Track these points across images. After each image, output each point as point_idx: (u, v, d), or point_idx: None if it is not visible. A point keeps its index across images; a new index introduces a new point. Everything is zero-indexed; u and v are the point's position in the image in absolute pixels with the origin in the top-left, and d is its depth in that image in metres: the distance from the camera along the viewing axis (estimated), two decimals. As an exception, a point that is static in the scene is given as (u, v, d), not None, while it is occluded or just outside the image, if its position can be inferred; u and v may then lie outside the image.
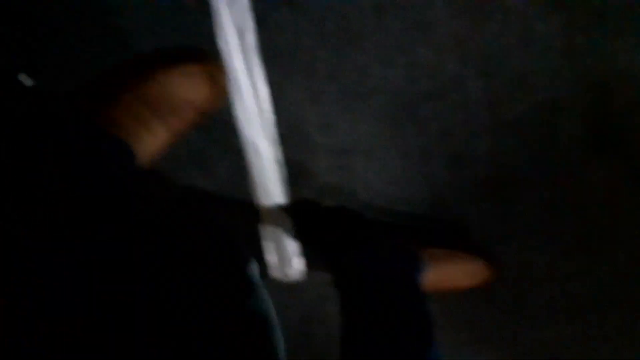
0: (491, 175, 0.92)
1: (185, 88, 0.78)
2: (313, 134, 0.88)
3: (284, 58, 0.82)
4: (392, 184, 0.94)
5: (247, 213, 0.93)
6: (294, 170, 0.91)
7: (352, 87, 0.84)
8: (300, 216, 0.94)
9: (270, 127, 0.86)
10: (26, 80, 0.79)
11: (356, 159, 0.91)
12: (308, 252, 0.99)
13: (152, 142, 0.78)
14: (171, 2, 0.77)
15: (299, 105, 0.85)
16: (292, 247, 0.97)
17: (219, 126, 0.85)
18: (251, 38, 0.79)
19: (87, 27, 0.78)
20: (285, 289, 1.01)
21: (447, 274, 0.99)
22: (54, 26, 0.78)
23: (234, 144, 0.87)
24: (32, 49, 0.79)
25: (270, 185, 0.91)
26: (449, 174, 0.92)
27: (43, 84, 0.80)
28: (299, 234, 0.96)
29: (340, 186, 0.93)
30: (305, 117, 0.86)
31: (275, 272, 0.99)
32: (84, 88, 0.78)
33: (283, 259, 0.98)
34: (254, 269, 0.59)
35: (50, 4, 0.76)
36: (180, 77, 0.77)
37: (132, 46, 0.80)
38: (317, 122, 0.87)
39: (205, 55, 0.80)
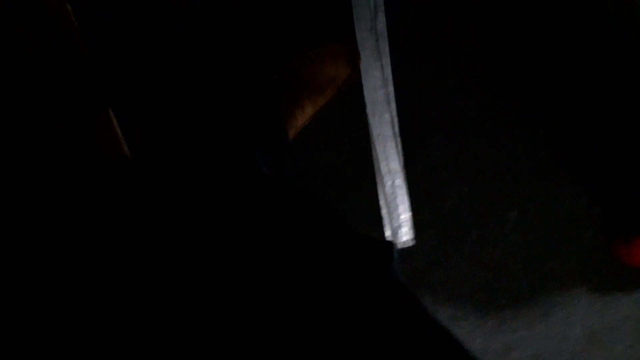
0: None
1: (331, 67, 0.89)
2: (432, 109, 0.99)
3: (409, 43, 0.93)
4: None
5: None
6: (412, 143, 1.01)
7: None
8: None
9: (392, 102, 0.97)
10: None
11: (470, 133, 1.01)
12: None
13: (301, 118, 0.89)
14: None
15: (420, 83, 0.96)
16: (403, 214, 1.07)
17: (347, 102, 0.96)
18: (382, 22, 0.90)
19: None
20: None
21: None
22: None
23: (359, 119, 0.97)
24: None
25: (390, 156, 1.01)
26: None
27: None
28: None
29: (452, 160, 1.04)
30: (426, 92, 0.97)
31: (389, 239, 1.09)
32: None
33: (395, 224, 1.07)
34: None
35: None
36: (329, 58, 0.88)
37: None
38: (437, 97, 0.98)
39: (346, 38, 0.91)
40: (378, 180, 1.04)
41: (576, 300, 1.26)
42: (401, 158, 1.02)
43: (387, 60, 0.94)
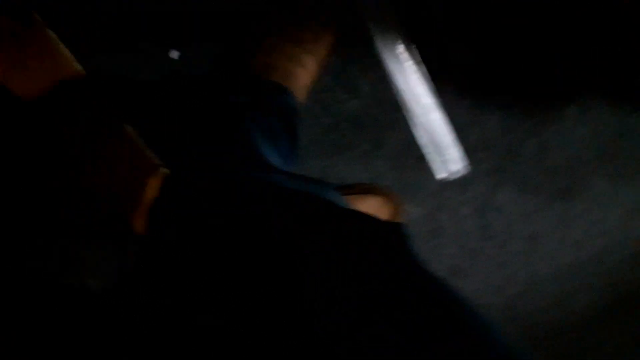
0: None
1: (321, 12, 0.80)
2: (446, 27, 0.87)
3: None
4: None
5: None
6: (434, 64, 0.90)
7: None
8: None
9: (402, 28, 0.86)
10: (174, 54, 0.84)
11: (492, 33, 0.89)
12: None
13: (305, 75, 0.82)
14: None
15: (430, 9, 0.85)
16: (448, 140, 0.97)
17: (352, 43, 0.87)
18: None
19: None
20: (456, 187, 1.02)
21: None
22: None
23: (370, 56, 0.88)
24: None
25: (414, 86, 0.91)
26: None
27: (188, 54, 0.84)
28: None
29: (482, 68, 0.92)
30: (432, 9, 0.86)
31: (440, 173, 1.00)
32: (234, 46, 0.82)
33: (443, 156, 0.98)
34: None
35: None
36: (316, 3, 0.79)
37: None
38: (443, 10, 0.86)
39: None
40: (409, 115, 0.94)
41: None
42: (428, 84, 0.92)
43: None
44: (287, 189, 0.48)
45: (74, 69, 0.64)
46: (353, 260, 0.40)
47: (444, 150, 0.98)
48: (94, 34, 0.82)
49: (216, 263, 0.42)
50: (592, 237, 1.17)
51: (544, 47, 0.93)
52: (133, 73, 0.84)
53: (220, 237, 0.43)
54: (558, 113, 1.00)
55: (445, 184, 1.02)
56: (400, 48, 0.88)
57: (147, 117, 0.77)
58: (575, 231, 1.14)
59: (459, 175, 1.01)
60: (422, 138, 0.97)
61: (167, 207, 0.48)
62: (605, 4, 0.90)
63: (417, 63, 0.90)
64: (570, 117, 1.00)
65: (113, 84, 0.80)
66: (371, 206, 0.98)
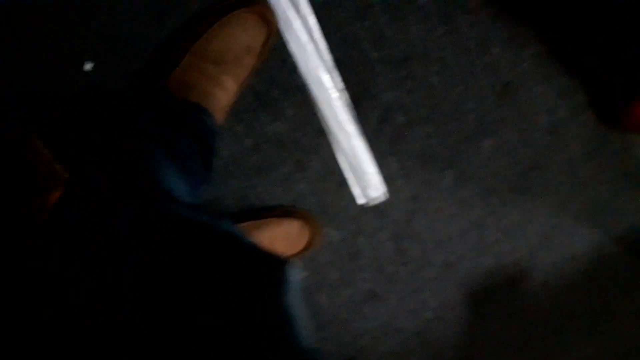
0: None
1: (243, 35, 0.80)
2: (368, 50, 0.89)
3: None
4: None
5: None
6: (357, 92, 0.92)
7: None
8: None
9: (325, 54, 0.87)
10: (87, 65, 0.82)
11: (415, 65, 0.92)
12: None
13: (224, 96, 0.81)
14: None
15: (348, 24, 0.86)
16: (369, 167, 0.99)
17: (276, 67, 0.87)
18: (290, -31, 0.80)
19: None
20: (374, 212, 1.04)
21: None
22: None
23: (295, 81, 0.89)
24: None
25: (338, 112, 0.93)
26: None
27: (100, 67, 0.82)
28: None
29: (404, 99, 0.95)
30: (357, 35, 0.87)
31: (360, 199, 1.02)
32: (152, 62, 0.80)
33: (363, 182, 1.00)
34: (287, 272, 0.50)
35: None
36: (236, 25, 0.79)
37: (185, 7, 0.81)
38: (369, 37, 0.88)
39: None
40: (332, 140, 0.96)
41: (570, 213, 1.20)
42: (351, 112, 0.94)
43: (307, 10, 0.84)
44: (179, 217, 0.47)
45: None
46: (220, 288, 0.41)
47: (365, 177, 1.00)
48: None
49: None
50: (504, 266, 1.22)
51: (462, 80, 0.97)
52: (46, 85, 0.80)
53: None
54: (475, 145, 1.04)
55: (365, 209, 1.03)
56: (325, 74, 0.89)
57: (55, 130, 0.74)
58: (488, 259, 1.19)
59: (378, 201, 1.03)
60: (343, 163, 0.98)
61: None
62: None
63: (340, 90, 0.91)
64: (486, 149, 1.05)
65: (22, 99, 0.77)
66: (291, 229, 0.98)
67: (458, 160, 1.05)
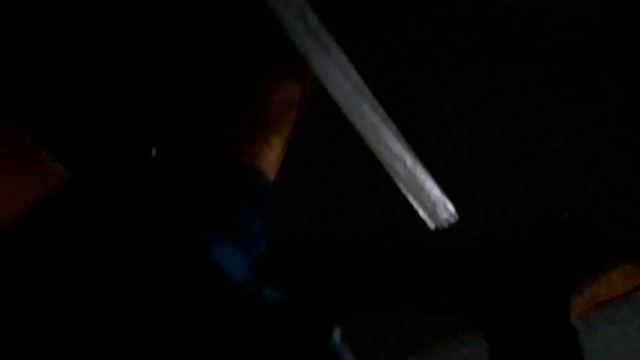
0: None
1: (279, 93, 0.84)
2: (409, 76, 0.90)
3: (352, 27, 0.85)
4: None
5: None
6: (407, 118, 0.92)
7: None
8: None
9: (365, 90, 0.89)
10: (153, 151, 0.91)
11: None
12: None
13: (273, 155, 0.85)
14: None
15: (384, 62, 0.88)
16: (433, 189, 0.98)
17: (320, 114, 0.90)
18: (314, 19, 0.83)
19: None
20: (443, 235, 1.02)
21: (597, 290, 0.90)
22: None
23: (341, 123, 0.91)
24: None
25: (390, 142, 0.93)
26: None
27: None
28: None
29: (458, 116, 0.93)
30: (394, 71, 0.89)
31: (430, 222, 1.00)
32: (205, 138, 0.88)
33: (431, 205, 0.99)
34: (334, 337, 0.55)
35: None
36: (271, 85, 0.84)
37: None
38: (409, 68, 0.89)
39: (281, 56, 0.86)
40: (388, 169, 0.96)
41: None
42: (402, 138, 0.94)
43: (337, 52, 0.87)
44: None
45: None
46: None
47: (429, 199, 0.99)
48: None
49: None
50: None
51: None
52: (119, 169, 0.90)
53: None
54: (542, 148, 0.99)
55: (437, 232, 1.01)
56: (366, 106, 0.91)
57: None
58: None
59: (448, 223, 1.01)
60: (404, 190, 0.98)
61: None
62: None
63: (386, 117, 0.92)
64: (554, 148, 0.99)
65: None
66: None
67: (527, 166, 1.00)
